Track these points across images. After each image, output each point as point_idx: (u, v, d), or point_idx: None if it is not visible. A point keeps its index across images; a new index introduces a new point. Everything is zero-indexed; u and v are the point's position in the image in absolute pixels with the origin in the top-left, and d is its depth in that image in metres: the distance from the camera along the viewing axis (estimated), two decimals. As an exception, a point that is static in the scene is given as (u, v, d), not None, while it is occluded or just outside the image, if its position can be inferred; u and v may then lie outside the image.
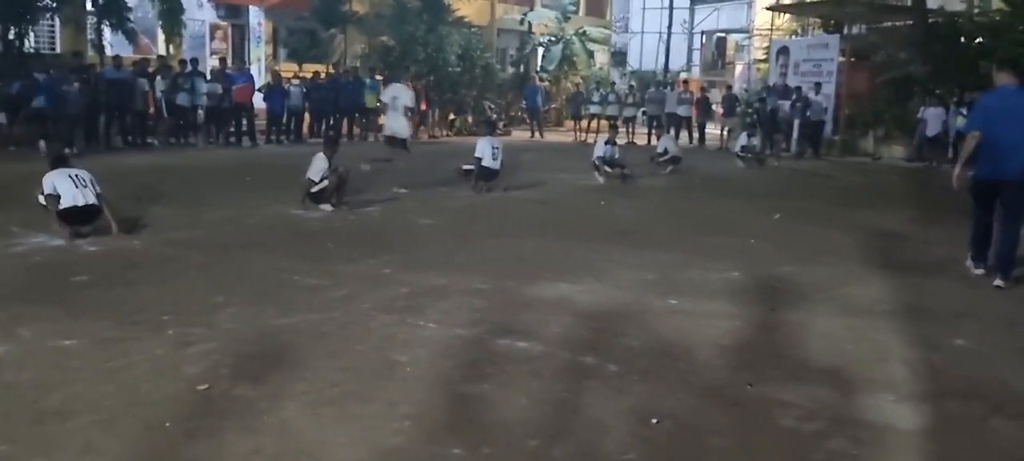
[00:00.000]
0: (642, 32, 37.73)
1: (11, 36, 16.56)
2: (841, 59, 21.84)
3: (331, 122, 20.01)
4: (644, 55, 36.30)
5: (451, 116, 24.30)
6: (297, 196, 9.99)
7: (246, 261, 7.28)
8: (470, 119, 24.21)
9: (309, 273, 6.82)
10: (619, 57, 37.39)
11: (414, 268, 7.14)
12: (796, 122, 20.54)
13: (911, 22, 20.88)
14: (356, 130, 20.95)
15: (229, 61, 20.33)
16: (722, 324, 5.75)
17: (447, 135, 23.08)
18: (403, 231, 9.10)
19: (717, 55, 40.13)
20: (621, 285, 6.83)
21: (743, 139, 17.96)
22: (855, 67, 22.03)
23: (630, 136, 22.70)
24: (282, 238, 8.41)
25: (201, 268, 6.99)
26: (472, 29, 26.13)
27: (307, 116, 19.97)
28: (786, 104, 20.82)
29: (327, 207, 9.82)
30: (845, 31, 23.55)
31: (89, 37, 18.53)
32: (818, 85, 21.00)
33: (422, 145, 19.45)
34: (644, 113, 23.47)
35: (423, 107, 22.95)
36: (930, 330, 5.78)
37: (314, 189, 9.86)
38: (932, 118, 18.75)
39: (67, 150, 11.51)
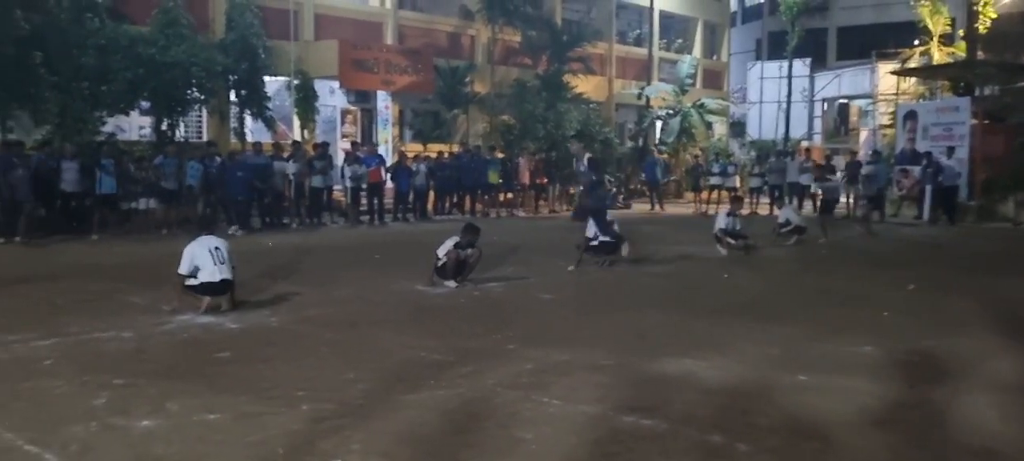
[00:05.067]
0: (760, 102, 37.26)
1: (164, 127, 17.81)
2: (973, 122, 21.00)
3: (455, 200, 20.53)
4: (763, 124, 35.81)
5: (571, 191, 24.52)
6: (424, 273, 10.25)
7: (375, 337, 7.51)
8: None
9: (435, 349, 6.97)
10: (738, 127, 37.00)
11: (537, 343, 7.20)
12: (928, 188, 19.78)
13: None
14: (479, 207, 21.41)
15: (358, 144, 21.20)
16: (857, 402, 5.55)
17: (567, 210, 23.27)
18: (525, 306, 9.20)
19: (840, 122, 39.16)
20: (746, 360, 6.70)
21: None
22: (989, 130, 21.13)
23: (753, 207, 22.33)
24: (410, 315, 8.64)
25: (333, 345, 7.25)
26: (590, 105, 26.46)
27: (432, 194, 20.58)
28: (916, 170, 20.12)
29: (451, 284, 10.04)
30: (976, 93, 22.67)
31: (232, 125, 19.71)
32: (951, 150, 20.21)
33: (542, 220, 19.66)
34: (766, 183, 23.10)
35: (542, 182, 23.30)
36: (1086, 409, 5.42)
37: (438, 265, 10.09)
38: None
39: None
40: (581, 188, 20.04)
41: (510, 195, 22.91)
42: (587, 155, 22.39)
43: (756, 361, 6.68)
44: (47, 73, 15.37)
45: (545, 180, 23.43)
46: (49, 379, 6.04)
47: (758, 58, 38.50)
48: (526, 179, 22.85)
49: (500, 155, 22.79)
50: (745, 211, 18.28)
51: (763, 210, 21.72)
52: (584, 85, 26.40)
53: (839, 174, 22.88)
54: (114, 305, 8.88)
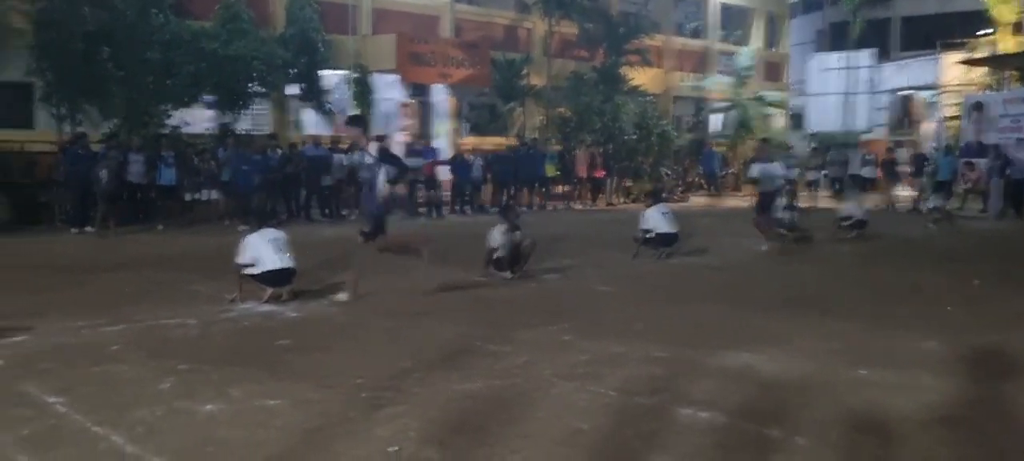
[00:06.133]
0: (820, 93, 36.56)
1: (227, 120, 18.18)
2: (1045, 112, 20.37)
3: (511, 192, 20.60)
4: (824, 117, 35.14)
5: (628, 184, 24.40)
6: (480, 264, 10.31)
7: (432, 327, 7.58)
8: (648, 186, 24.23)
9: (490, 339, 7.01)
10: (797, 120, 36.40)
11: (593, 335, 7.20)
12: (995, 182, 19.24)
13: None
14: (536, 199, 21.44)
15: (416, 137, 21.41)
16: (919, 397, 5.44)
17: (624, 202, 23.16)
18: (581, 298, 9.20)
19: (903, 114, 38.28)
20: (806, 354, 6.60)
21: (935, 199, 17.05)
22: (1059, 121, 20.47)
23: (812, 200, 21.97)
24: (466, 305, 8.69)
25: (390, 333, 7.34)
26: (648, 97, 26.28)
27: (488, 187, 20.66)
28: (982, 162, 19.58)
29: (507, 275, 10.08)
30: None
31: (292, 118, 20.06)
32: (1021, 141, 19.62)
33: (599, 212, 19.60)
34: (825, 176, 22.70)
35: (599, 174, 23.24)
36: None
37: (495, 256, 10.15)
38: None
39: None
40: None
41: (567, 188, 22.90)
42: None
43: (815, 355, 6.58)
44: (114, 68, 15.79)
45: (602, 173, 23.36)
46: (117, 364, 6.22)
47: (819, 49, 37.80)
48: (583, 172, 22.82)
49: (557, 148, 22.79)
50: (804, 204, 18.00)
51: (824, 203, 21.35)
52: (641, 77, 26.23)
53: (904, 167, 22.46)
54: (178, 293, 9.10)
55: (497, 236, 10.19)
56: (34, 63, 15.66)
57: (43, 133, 16.70)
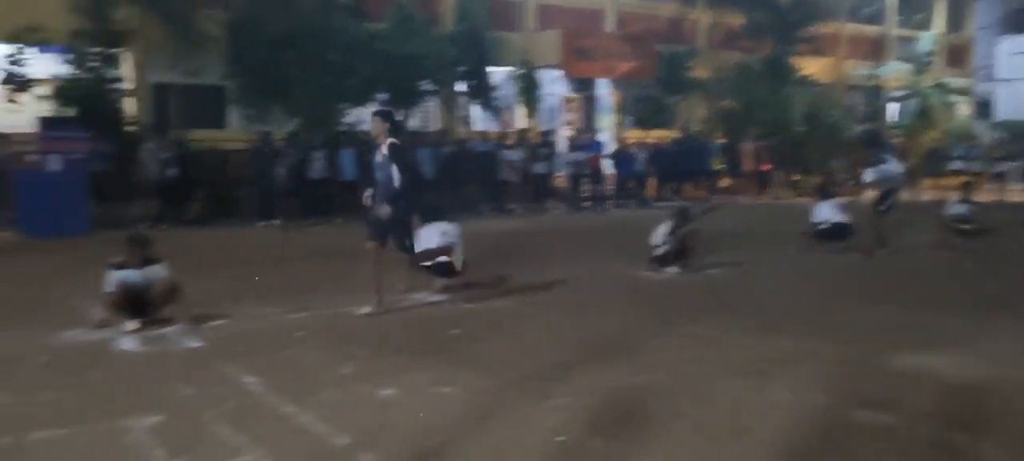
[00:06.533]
0: (1011, 79, 33.95)
1: (398, 117, 18.89)
2: None
3: (676, 186, 20.42)
4: (1014, 104, 32.60)
5: (795, 177, 23.61)
6: (644, 258, 10.31)
7: (599, 320, 7.66)
8: (817, 180, 23.35)
9: (656, 333, 7.01)
10: (984, 108, 33.96)
11: (760, 331, 7.07)
12: None
13: None
14: (700, 193, 21.13)
15: (580, 131, 21.56)
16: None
17: (791, 197, 22.43)
18: (748, 293, 9.05)
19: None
20: (989, 356, 6.24)
21: None
22: None
23: (1000, 193, 20.54)
24: (631, 299, 8.73)
25: (557, 326, 7.48)
26: (818, 88, 25.31)
27: (652, 180, 20.56)
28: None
29: (673, 270, 10.02)
30: None
31: (460, 115, 20.65)
32: None
33: (765, 207, 19.10)
34: (1017, 167, 21.18)
35: (766, 168, 22.61)
36: None
37: (657, 253, 10.12)
38: None
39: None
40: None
41: (732, 181, 22.44)
42: None
43: (1000, 358, 6.21)
44: (297, 70, 16.74)
45: (768, 166, 22.71)
46: (302, 348, 6.67)
47: (1008, 32, 35.10)
48: (749, 165, 22.28)
49: (722, 141, 22.35)
50: (986, 197, 16.85)
51: (1015, 197, 19.92)
52: (811, 67, 25.25)
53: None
54: (356, 283, 9.53)
55: (662, 233, 10.15)
56: (227, 67, 16.87)
57: (234, 133, 17.95)
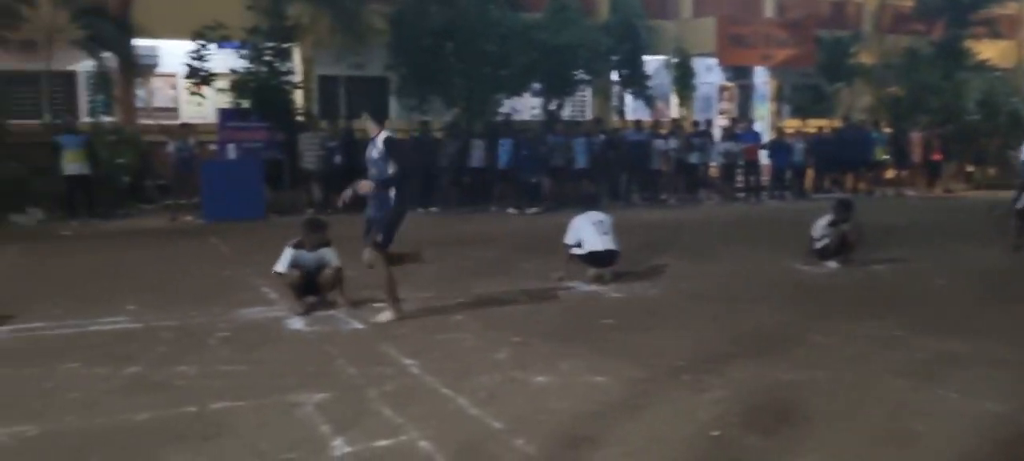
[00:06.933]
0: None
1: (552, 107, 19.09)
2: None
3: (835, 177, 19.67)
4: None
5: (969, 168, 22.25)
6: (802, 251, 10.01)
7: (754, 314, 7.51)
8: (992, 172, 21.95)
9: (816, 330, 6.81)
10: None
11: (928, 331, 6.74)
12: None
13: None
14: (862, 185, 20.27)
15: (735, 120, 21.08)
16: None
17: (964, 189, 21.16)
18: (915, 291, 8.63)
19: None
20: None
21: None
22: None
23: None
24: (788, 293, 8.50)
25: (712, 318, 7.37)
26: (996, 73, 23.71)
27: (810, 171, 19.88)
28: None
29: (833, 264, 9.68)
30: None
31: (614, 104, 20.63)
32: None
33: (935, 200, 18.10)
34: None
35: (936, 158, 21.41)
36: None
37: (817, 246, 9.81)
38: None
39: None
40: None
41: (898, 172, 21.38)
42: None
43: None
44: (456, 61, 17.18)
45: (940, 156, 21.49)
46: (459, 333, 6.86)
47: None
48: (917, 156, 21.14)
49: (887, 130, 21.32)
50: None
51: None
52: (989, 51, 23.70)
53: None
54: (510, 270, 9.79)
55: (821, 226, 9.83)
56: (389, 59, 17.52)
57: (396, 123, 18.63)
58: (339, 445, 4.40)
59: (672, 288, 8.70)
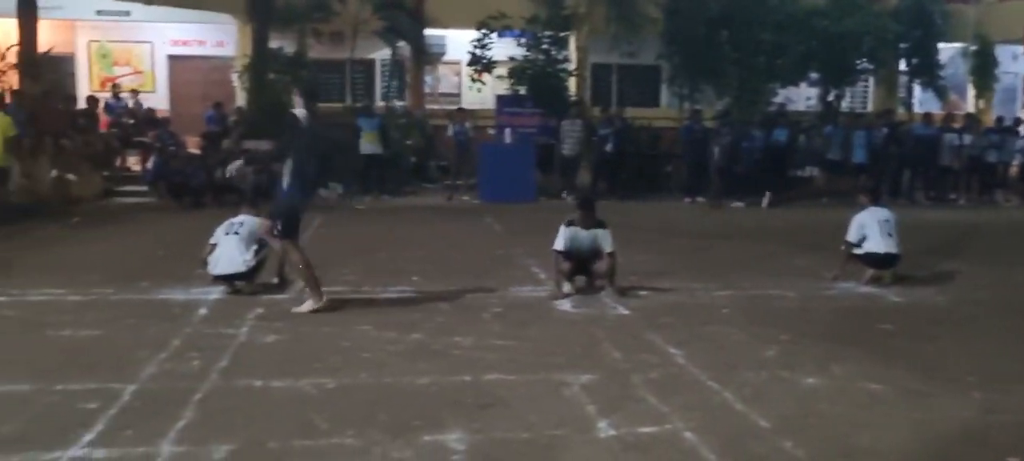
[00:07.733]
0: None
1: (830, 97, 18.20)
2: None
3: None
4: None
5: None
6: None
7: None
8: None
9: None
10: None
11: None
12: None
13: None
14: None
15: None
16: None
17: None
18: None
19: None
20: None
21: None
22: None
23: None
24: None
25: (1011, 332, 6.75)
26: None
27: None
28: None
29: None
30: None
31: (900, 95, 19.30)
32: None
33: None
34: None
35: None
36: None
37: None
38: None
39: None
40: None
41: None
42: None
43: None
44: (730, 50, 16.85)
45: None
46: (726, 326, 6.77)
47: None
48: None
49: None
50: None
51: None
52: None
53: None
54: (779, 265, 9.50)
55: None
56: (663, 48, 17.51)
57: (666, 111, 18.61)
58: (604, 427, 4.53)
59: (963, 296, 8.04)
